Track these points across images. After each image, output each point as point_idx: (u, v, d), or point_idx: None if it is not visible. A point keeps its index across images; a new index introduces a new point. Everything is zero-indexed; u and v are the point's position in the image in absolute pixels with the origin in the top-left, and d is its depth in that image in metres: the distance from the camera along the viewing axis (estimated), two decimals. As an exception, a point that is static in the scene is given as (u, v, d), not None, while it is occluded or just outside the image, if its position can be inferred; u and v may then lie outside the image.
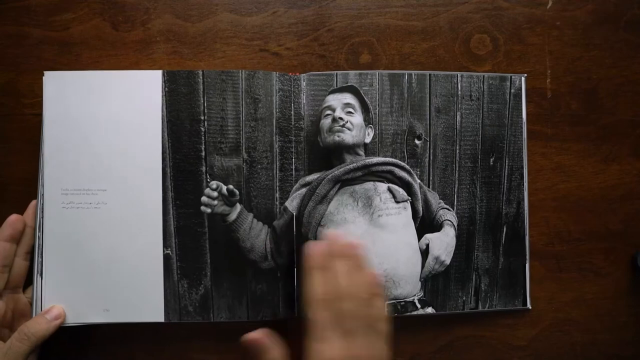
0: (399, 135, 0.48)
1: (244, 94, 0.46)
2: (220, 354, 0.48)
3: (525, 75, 0.49)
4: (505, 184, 0.49)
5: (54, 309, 0.43)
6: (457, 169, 0.49)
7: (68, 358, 0.48)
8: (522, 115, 0.49)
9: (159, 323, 0.45)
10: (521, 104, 0.49)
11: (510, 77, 0.49)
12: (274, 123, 0.46)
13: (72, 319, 0.44)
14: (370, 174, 0.47)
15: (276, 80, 0.46)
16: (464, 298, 0.49)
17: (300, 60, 0.49)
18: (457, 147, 0.49)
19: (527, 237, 0.49)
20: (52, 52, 0.48)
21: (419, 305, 0.47)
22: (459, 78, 0.49)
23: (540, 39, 0.50)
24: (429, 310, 0.48)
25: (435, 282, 0.48)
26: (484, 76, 0.49)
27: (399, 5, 0.50)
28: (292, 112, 0.47)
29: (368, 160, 0.47)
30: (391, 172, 0.48)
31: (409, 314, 0.47)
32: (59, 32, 0.49)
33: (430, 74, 0.48)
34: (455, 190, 0.49)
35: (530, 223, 0.49)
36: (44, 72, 0.45)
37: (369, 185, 0.47)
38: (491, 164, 0.49)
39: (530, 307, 0.48)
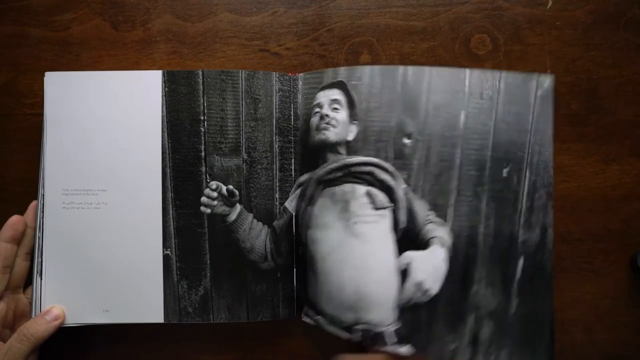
0: (385, 133, 0.42)
1: (243, 94, 0.45)
2: (220, 354, 0.48)
3: (553, 75, 0.44)
4: (524, 202, 0.41)
5: (54, 310, 0.43)
6: (457, 176, 0.41)
7: (68, 358, 0.48)
8: (550, 121, 0.42)
9: (159, 324, 0.45)
10: (549, 108, 0.42)
11: (538, 77, 0.43)
12: (274, 123, 0.46)
13: (72, 320, 0.44)
14: (349, 174, 0.42)
15: (276, 81, 0.46)
16: (456, 344, 0.39)
17: (300, 60, 0.49)
18: (459, 151, 0.42)
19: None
20: (52, 52, 0.48)
21: (391, 340, 0.38)
22: (468, 74, 0.42)
23: (540, 39, 0.50)
24: (405, 349, 0.38)
25: (416, 313, 0.39)
26: (500, 74, 0.43)
27: (399, 5, 0.50)
28: (292, 112, 0.46)
29: (348, 159, 0.43)
30: (371, 174, 0.42)
31: (378, 347, 0.38)
32: (59, 32, 0.49)
33: (429, 70, 0.43)
34: (452, 201, 0.41)
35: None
36: (45, 72, 0.45)
37: (347, 187, 0.42)
38: (505, 175, 0.41)
39: None
